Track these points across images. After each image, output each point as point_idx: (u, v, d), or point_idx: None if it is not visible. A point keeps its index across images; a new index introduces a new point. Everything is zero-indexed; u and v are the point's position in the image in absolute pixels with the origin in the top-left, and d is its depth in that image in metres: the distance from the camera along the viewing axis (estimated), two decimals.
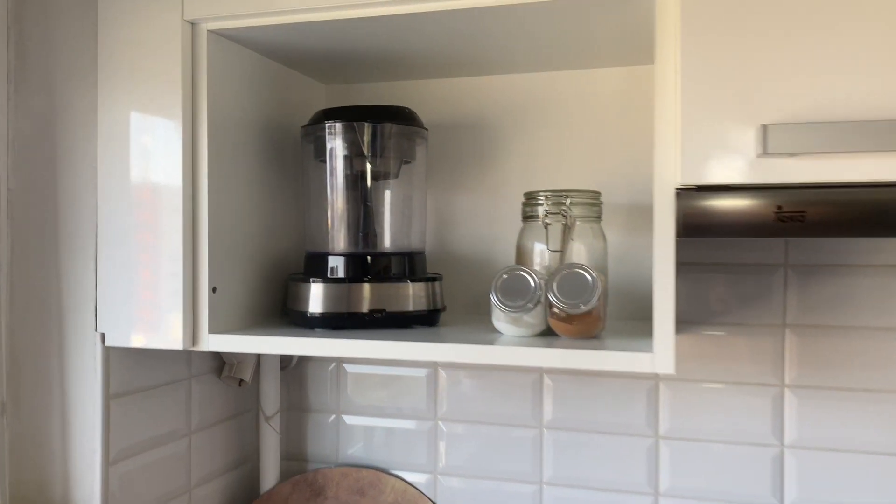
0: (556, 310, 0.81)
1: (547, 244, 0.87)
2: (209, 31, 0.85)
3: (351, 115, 0.92)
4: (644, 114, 1.00)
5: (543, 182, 1.04)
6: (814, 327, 0.97)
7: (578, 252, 0.87)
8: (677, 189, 0.71)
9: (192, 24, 0.85)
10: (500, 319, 0.84)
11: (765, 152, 0.65)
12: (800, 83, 0.66)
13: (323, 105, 1.13)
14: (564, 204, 0.87)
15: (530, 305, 0.80)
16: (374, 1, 0.78)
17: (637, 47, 0.93)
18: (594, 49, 0.94)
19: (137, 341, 0.85)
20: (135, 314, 0.85)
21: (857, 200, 0.65)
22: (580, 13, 0.79)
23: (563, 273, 0.80)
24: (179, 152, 0.83)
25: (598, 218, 0.90)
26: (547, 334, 0.83)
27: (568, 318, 0.80)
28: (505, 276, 0.82)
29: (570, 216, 0.86)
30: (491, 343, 0.79)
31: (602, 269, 0.88)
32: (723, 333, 1.00)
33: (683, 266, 1.01)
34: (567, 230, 0.86)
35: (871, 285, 0.95)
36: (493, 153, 1.06)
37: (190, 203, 0.85)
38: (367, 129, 0.91)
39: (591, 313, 0.80)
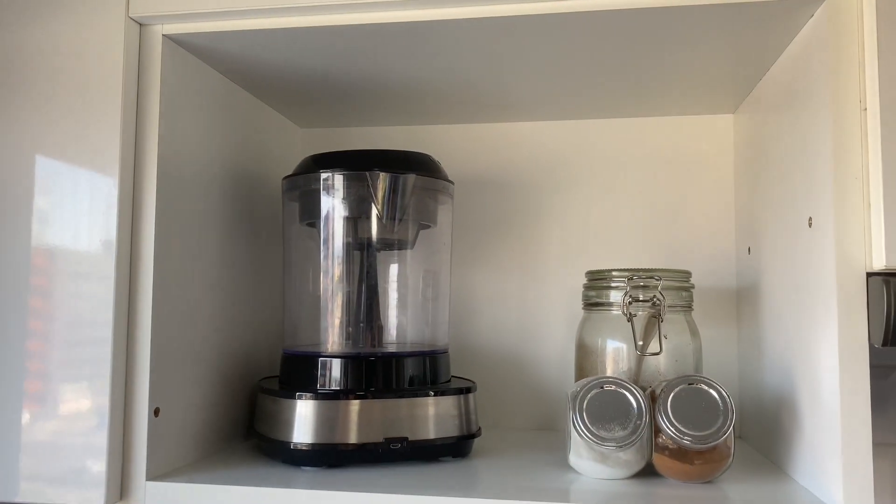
0: (667, 442, 0.56)
1: (635, 342, 0.63)
2: (164, 36, 0.59)
3: (359, 163, 0.67)
4: (724, 171, 0.80)
5: (590, 256, 0.81)
6: None
7: (665, 352, 0.64)
8: (872, 274, 0.49)
9: (141, 23, 0.59)
10: (583, 455, 0.58)
11: None
12: None
13: (299, 153, 0.87)
14: (656, 287, 0.64)
15: (633, 439, 0.55)
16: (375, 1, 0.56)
17: (731, 91, 0.72)
18: (672, 92, 0.73)
19: (26, 496, 0.55)
20: (23, 452, 0.55)
21: None
22: (682, 48, 0.58)
23: (678, 389, 0.56)
24: (114, 203, 0.56)
25: (689, 307, 0.67)
26: (644, 474, 0.58)
27: (684, 455, 0.56)
28: (594, 391, 0.57)
29: (663, 304, 0.63)
30: (574, 496, 0.53)
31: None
32: None
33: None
34: (658, 323, 0.63)
35: None
36: (527, 217, 0.83)
37: (125, 279, 0.57)
38: (381, 180, 0.66)
39: (717, 447, 0.56)
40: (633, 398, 0.56)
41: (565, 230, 0.82)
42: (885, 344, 0.47)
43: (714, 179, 0.80)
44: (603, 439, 0.55)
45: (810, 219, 0.55)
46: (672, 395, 0.56)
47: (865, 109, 0.50)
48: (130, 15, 0.57)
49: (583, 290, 0.70)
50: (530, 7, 0.55)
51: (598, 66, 0.66)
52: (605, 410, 0.56)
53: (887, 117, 0.48)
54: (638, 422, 0.55)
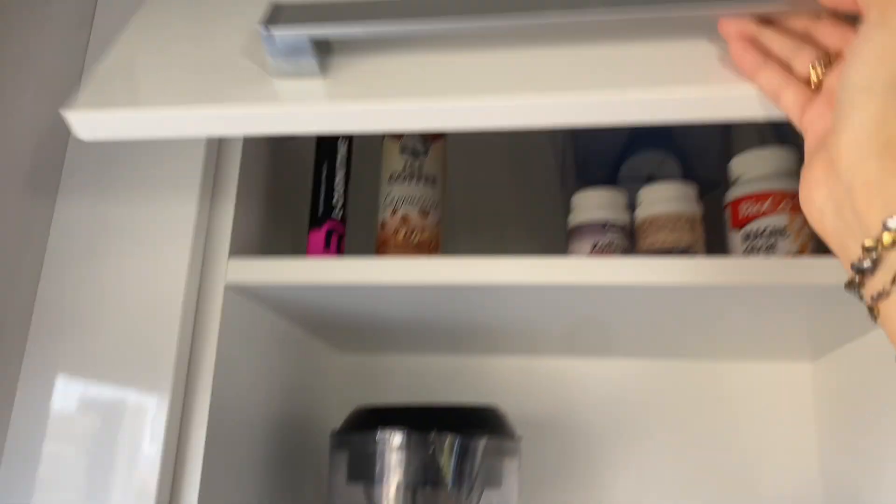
0: None
1: None
2: (227, 286, 0.55)
3: (419, 420, 0.60)
4: (803, 425, 0.73)
5: None
6: None
7: None
8: None
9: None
10: None
11: None
12: None
13: (337, 382, 0.81)
14: None
15: None
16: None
17: (805, 340, 0.68)
18: (744, 339, 0.68)
19: None
20: None
21: None
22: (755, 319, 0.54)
23: None
24: (161, 440, 0.49)
25: None
26: None
27: None
28: None
29: None
30: None
31: None
32: None
33: None
34: None
35: None
36: (593, 468, 0.75)
37: None
38: (449, 443, 0.59)
39: None
40: None
41: (629, 486, 0.74)
42: None
43: (795, 436, 0.73)
44: None
45: None
46: None
47: None
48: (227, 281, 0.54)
49: None
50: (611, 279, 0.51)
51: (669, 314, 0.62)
52: None
53: None
54: None
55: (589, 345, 0.73)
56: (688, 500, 0.73)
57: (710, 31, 0.40)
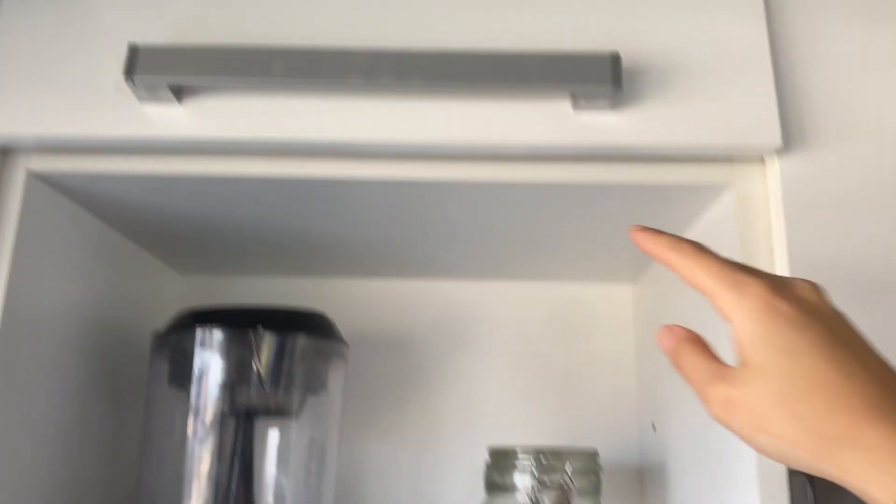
0: None
1: None
2: (29, 172, 0.52)
3: (240, 319, 0.60)
4: (622, 342, 0.78)
5: (495, 431, 0.76)
6: None
7: None
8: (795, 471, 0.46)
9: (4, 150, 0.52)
10: None
11: None
12: None
13: (177, 303, 0.79)
14: (565, 470, 0.59)
15: None
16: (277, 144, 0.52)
17: (626, 261, 0.73)
18: (570, 259, 0.72)
19: None
20: None
21: None
22: (580, 220, 0.58)
23: None
24: None
25: (598, 491, 0.63)
26: None
27: None
28: None
29: (573, 490, 0.58)
30: None
31: None
32: None
33: None
34: None
35: None
36: (424, 383, 0.77)
37: None
38: (267, 341, 0.59)
39: None
40: None
41: (469, 400, 0.77)
42: None
43: (614, 352, 0.78)
44: None
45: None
46: None
47: None
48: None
49: (485, 469, 0.63)
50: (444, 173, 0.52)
51: (497, 229, 0.64)
52: None
53: None
54: None
55: (424, 266, 0.75)
56: (515, 412, 0.76)
57: None
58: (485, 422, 0.76)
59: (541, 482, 0.58)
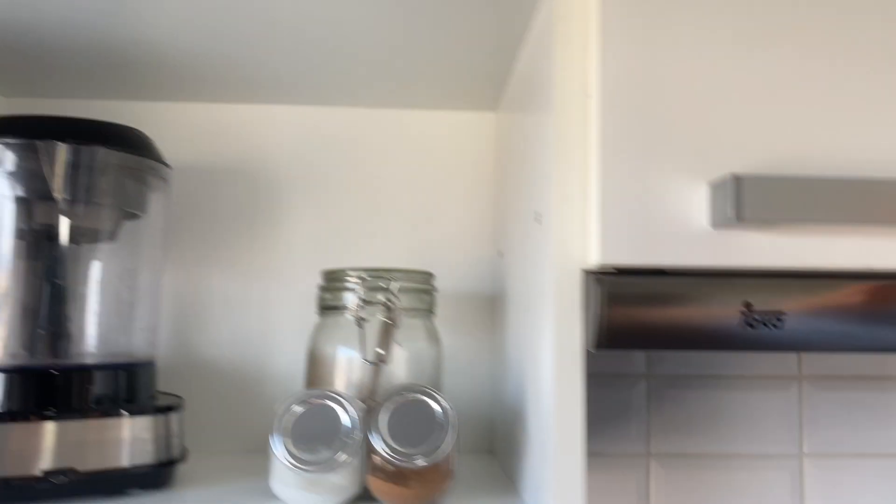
0: (381, 462, 0.49)
1: (361, 350, 0.56)
2: None
3: (33, 130, 0.54)
4: (482, 171, 0.75)
5: (341, 257, 0.74)
6: (680, 456, 0.76)
7: (399, 361, 0.57)
8: (589, 272, 0.45)
9: None
10: (288, 483, 0.50)
11: (737, 217, 0.41)
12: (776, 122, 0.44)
13: None
14: (389, 289, 0.57)
15: (343, 458, 0.48)
16: None
17: (483, 86, 0.68)
18: (429, 84, 0.68)
19: None
20: None
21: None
22: (425, 31, 0.53)
23: (396, 402, 0.49)
24: None
25: (430, 311, 0.62)
26: (362, 500, 0.51)
27: (400, 476, 0.49)
28: (297, 407, 0.49)
29: (397, 308, 0.57)
30: None
31: (436, 386, 0.59)
32: None
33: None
34: (391, 329, 0.56)
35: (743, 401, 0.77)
36: (267, 212, 0.74)
37: None
38: (60, 152, 0.54)
39: (437, 466, 0.50)
40: (344, 414, 0.49)
41: (313, 227, 0.74)
42: (597, 347, 0.43)
43: (474, 181, 0.76)
44: (303, 462, 0.47)
45: (536, 213, 0.50)
46: (386, 408, 0.49)
47: (590, 97, 0.46)
48: None
49: (318, 291, 0.62)
50: None
51: (354, 39, 0.59)
52: (310, 429, 0.48)
53: (608, 103, 0.45)
54: (346, 440, 0.48)
55: (273, 89, 0.70)
56: (369, 242, 0.74)
57: None
58: (336, 251, 0.74)
59: (366, 300, 0.57)
